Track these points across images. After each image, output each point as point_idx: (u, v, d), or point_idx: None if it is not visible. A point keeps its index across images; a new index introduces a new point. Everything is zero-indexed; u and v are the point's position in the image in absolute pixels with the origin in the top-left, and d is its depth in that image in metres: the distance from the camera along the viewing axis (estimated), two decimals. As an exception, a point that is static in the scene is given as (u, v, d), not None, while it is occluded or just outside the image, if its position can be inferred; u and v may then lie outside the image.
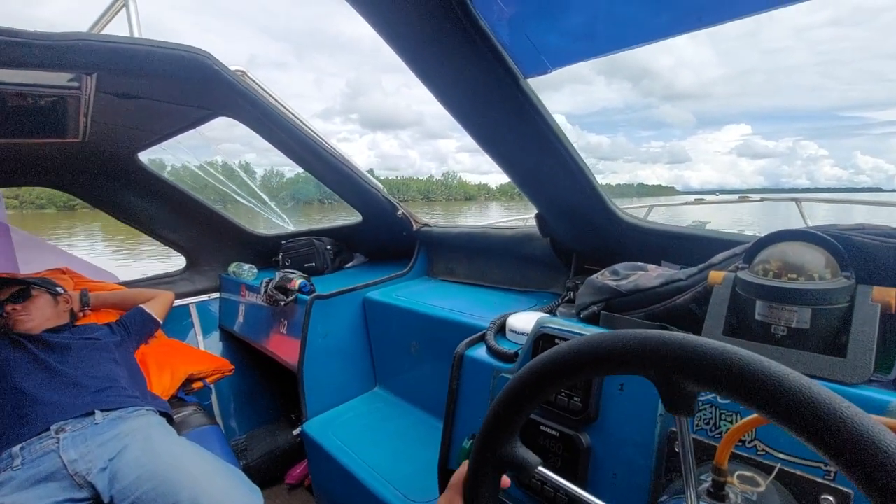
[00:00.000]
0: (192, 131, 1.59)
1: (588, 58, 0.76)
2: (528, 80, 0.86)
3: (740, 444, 0.61)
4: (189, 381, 1.72)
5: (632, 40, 0.71)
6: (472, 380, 1.00)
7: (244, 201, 2.07)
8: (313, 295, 1.51)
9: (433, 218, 1.76)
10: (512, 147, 1.02)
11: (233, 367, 1.82)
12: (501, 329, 1.10)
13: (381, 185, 1.63)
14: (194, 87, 1.24)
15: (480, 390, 0.98)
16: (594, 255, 1.25)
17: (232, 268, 2.10)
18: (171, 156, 1.89)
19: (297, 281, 1.61)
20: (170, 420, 1.42)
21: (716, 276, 0.73)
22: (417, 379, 1.47)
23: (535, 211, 1.25)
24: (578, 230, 1.20)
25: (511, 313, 1.12)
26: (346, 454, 1.29)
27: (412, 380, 1.49)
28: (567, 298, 1.16)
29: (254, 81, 1.29)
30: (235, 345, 2.15)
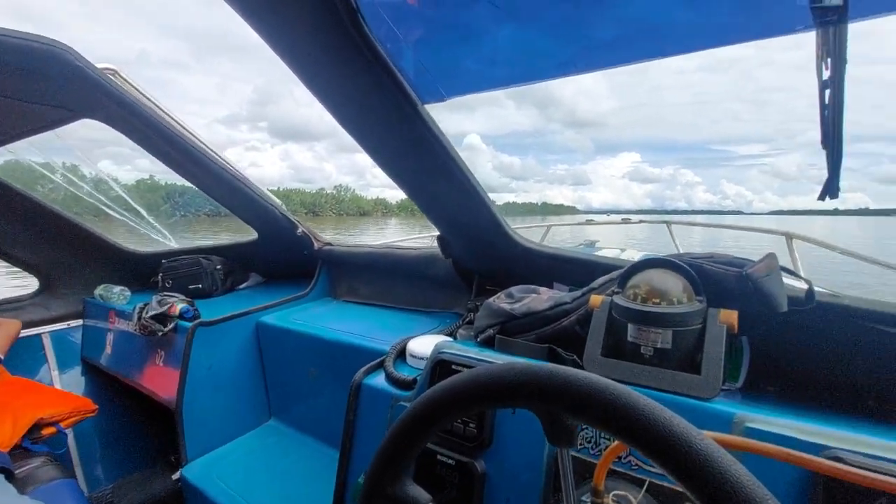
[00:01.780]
0: (49, 133, 1.36)
1: (483, 90, 0.78)
2: (426, 107, 0.87)
3: (617, 459, 0.64)
4: (37, 426, 1.43)
5: (525, 77, 0.75)
6: (371, 409, 0.96)
7: (116, 214, 1.80)
8: (197, 321, 1.36)
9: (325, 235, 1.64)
10: (412, 171, 1.01)
11: (96, 406, 1.56)
12: (402, 353, 1.08)
13: (278, 201, 1.53)
14: (51, 83, 1.07)
15: (379, 420, 0.94)
16: (494, 276, 1.29)
17: (99, 290, 1.81)
18: (24, 158, 1.59)
19: (178, 306, 1.44)
20: (9, 476, 1.17)
21: (595, 299, 0.79)
22: (316, 408, 1.38)
23: (438, 232, 1.26)
24: (478, 253, 1.23)
25: (412, 337, 1.10)
26: (231, 499, 1.16)
27: (310, 409, 1.40)
28: (468, 320, 1.18)
29: (126, 81, 1.14)
30: (102, 380, 1.85)
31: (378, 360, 1.04)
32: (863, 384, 0.74)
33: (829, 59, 0.43)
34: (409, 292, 1.54)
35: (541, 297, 0.92)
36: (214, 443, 1.37)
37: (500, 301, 0.95)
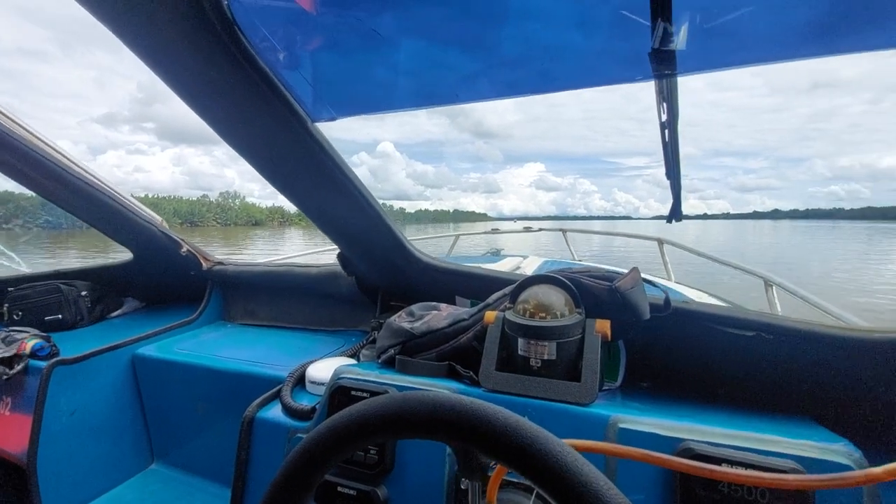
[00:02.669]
0: None
1: (372, 112, 0.78)
2: (318, 125, 0.84)
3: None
4: None
5: (415, 103, 0.76)
6: (265, 444, 0.90)
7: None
8: (54, 360, 1.16)
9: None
10: (305, 189, 0.97)
11: None
12: (301, 380, 1.02)
13: (157, 217, 1.38)
14: None
15: (275, 455, 0.88)
16: (398, 292, 1.28)
17: (-82, 328, 1.48)
18: None
19: (29, 342, 1.22)
20: None
21: (490, 315, 0.82)
22: (207, 447, 1.25)
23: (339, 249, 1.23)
24: (380, 269, 1.22)
25: (312, 361, 1.06)
26: None
27: (200, 449, 1.27)
28: (371, 339, 1.16)
29: None
30: None
31: (274, 389, 0.98)
32: (714, 376, 0.86)
33: (665, 105, 0.50)
34: (312, 311, 1.48)
35: (440, 315, 0.93)
36: (80, 500, 1.18)
37: (400, 320, 0.95)
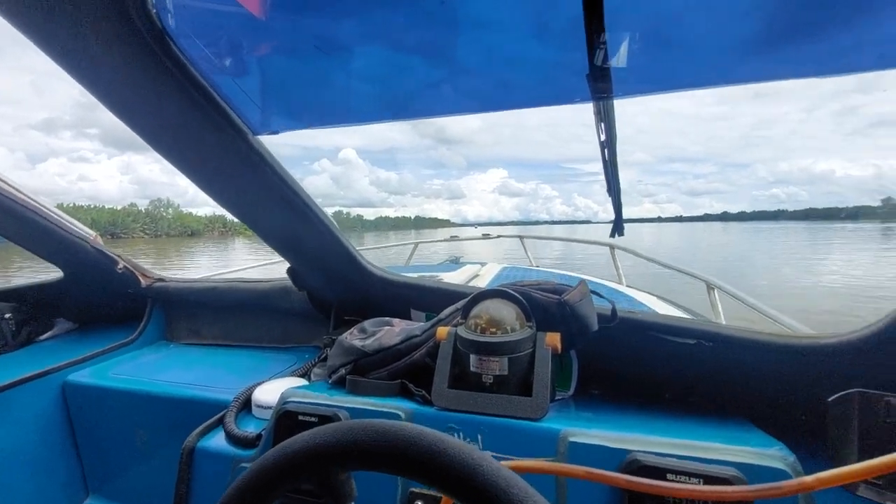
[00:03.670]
0: None
1: (317, 126, 0.75)
2: (260, 138, 0.81)
3: None
4: None
5: (360, 118, 0.74)
6: (208, 476, 0.84)
7: None
8: (-32, 392, 1.06)
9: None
10: (250, 203, 0.93)
11: None
12: (248, 404, 0.97)
13: (90, 233, 1.28)
14: None
15: (218, 488, 0.83)
16: (353, 306, 1.25)
17: None
18: None
19: (-61, 373, 1.10)
20: None
21: (442, 331, 0.80)
22: (147, 479, 1.17)
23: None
24: (332, 284, 1.18)
25: (260, 383, 1.01)
26: None
27: (140, 481, 1.18)
28: (323, 357, 1.12)
29: None
30: None
31: (217, 416, 0.93)
32: (660, 382, 0.88)
33: (602, 125, 0.51)
34: (262, 328, 1.42)
35: (393, 331, 0.91)
36: None
37: (352, 337, 0.92)
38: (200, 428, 0.88)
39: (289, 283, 1.26)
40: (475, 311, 0.78)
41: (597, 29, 0.43)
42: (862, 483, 0.55)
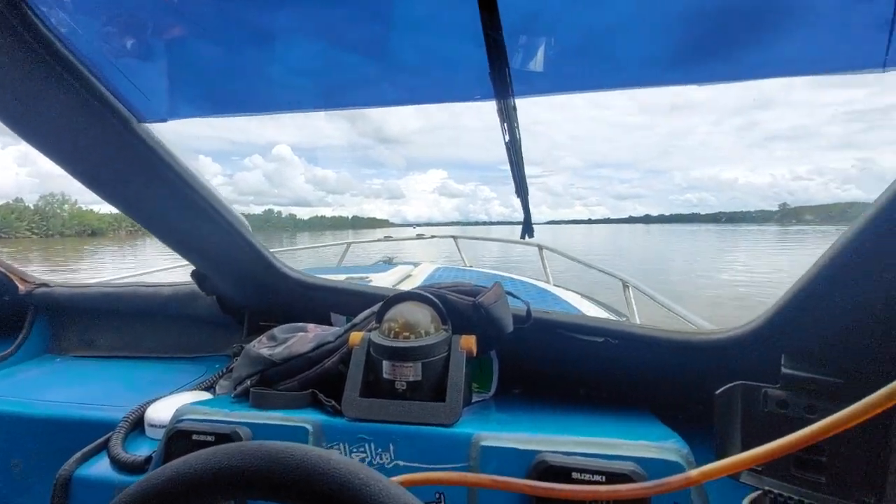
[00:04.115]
0: None
1: (210, 115, 0.69)
2: (148, 126, 0.72)
3: None
4: None
5: (262, 108, 0.68)
6: None
7: None
8: None
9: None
10: (141, 199, 0.84)
11: None
12: (141, 423, 0.87)
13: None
14: None
15: (98, 522, 0.73)
16: (268, 311, 1.17)
17: None
18: None
19: None
20: None
21: (355, 337, 0.77)
22: None
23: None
24: (244, 287, 1.10)
25: (158, 398, 0.91)
26: None
27: None
28: (232, 367, 1.03)
29: None
30: None
31: (102, 439, 0.82)
32: (574, 379, 0.91)
33: (505, 125, 0.50)
34: (166, 337, 1.29)
35: (306, 337, 0.86)
36: None
37: (260, 345, 0.86)
38: (80, 453, 0.78)
39: (195, 286, 1.16)
40: (389, 314, 0.75)
41: (493, 27, 0.42)
42: (744, 470, 0.59)
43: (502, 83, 0.46)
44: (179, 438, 0.71)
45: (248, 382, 0.81)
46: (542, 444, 0.63)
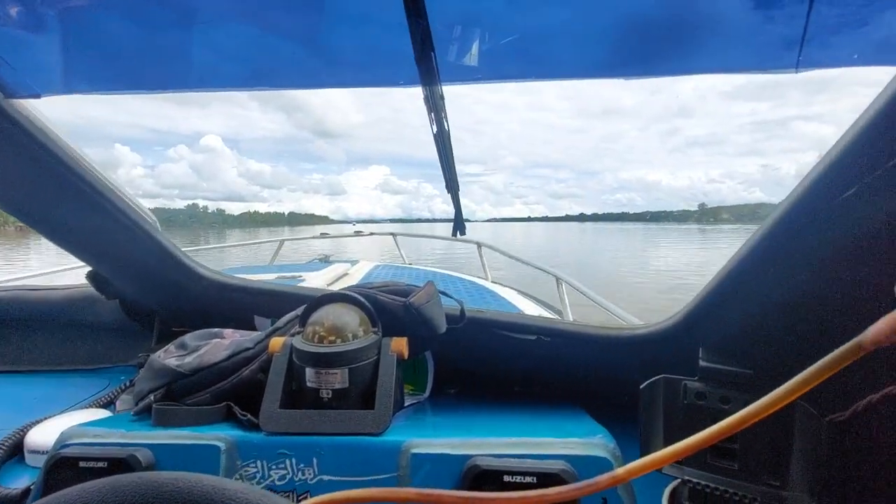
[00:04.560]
0: None
1: (89, 91, 0.59)
2: (19, 102, 0.61)
3: None
4: None
5: (150, 85, 0.60)
6: None
7: None
8: None
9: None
10: (11, 187, 0.71)
11: None
12: (20, 448, 0.75)
13: None
14: None
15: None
16: (183, 316, 1.06)
17: None
18: None
19: None
20: None
21: (276, 342, 0.70)
22: None
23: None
24: (151, 290, 0.99)
25: (45, 418, 0.79)
26: None
27: None
28: (136, 379, 0.92)
29: None
30: None
31: None
32: (509, 377, 0.90)
33: (432, 115, 0.47)
34: (62, 347, 1.13)
35: (221, 344, 0.78)
36: None
37: (167, 355, 0.76)
38: None
39: (95, 290, 1.02)
40: (314, 317, 0.70)
41: (417, 14, 0.39)
42: None
43: (428, 69, 0.43)
44: (63, 467, 0.61)
45: (152, 397, 0.72)
46: (473, 448, 0.61)
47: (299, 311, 0.76)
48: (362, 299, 0.71)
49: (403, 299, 0.72)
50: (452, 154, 0.53)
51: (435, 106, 0.46)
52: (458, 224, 0.60)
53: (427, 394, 0.88)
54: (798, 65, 0.42)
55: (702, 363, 0.61)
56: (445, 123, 0.49)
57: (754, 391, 0.38)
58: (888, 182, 0.38)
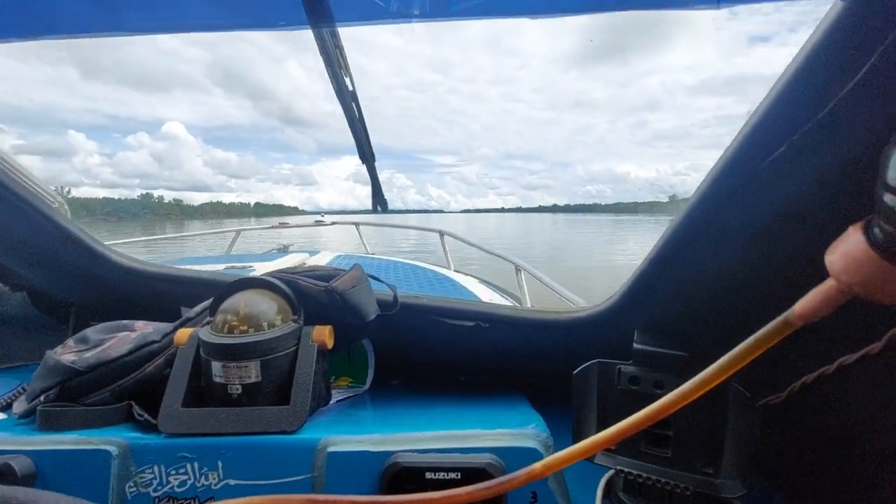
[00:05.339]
0: None
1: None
2: None
3: None
4: None
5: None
6: None
7: None
8: None
9: None
10: None
11: None
12: None
13: None
14: None
15: None
16: (102, 308, 0.97)
17: None
18: None
19: None
20: None
21: (182, 334, 0.64)
22: None
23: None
24: (63, 281, 0.90)
25: None
26: None
27: None
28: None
29: None
30: None
31: None
32: (450, 365, 0.86)
33: (329, 70, 0.41)
34: None
35: (127, 337, 0.70)
36: None
37: (64, 350, 0.69)
38: None
39: None
40: (225, 305, 0.63)
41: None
42: (598, 452, 0.58)
43: (317, 5, 0.36)
44: None
45: (44, 398, 0.64)
46: (396, 444, 0.56)
47: (210, 301, 0.70)
48: (281, 285, 0.65)
49: (325, 284, 0.66)
50: (363, 117, 0.47)
51: (329, 55, 0.40)
52: (380, 199, 0.54)
53: (367, 385, 0.83)
54: (720, 0, 0.39)
55: (636, 346, 0.58)
56: (348, 80, 0.42)
57: (688, 374, 0.35)
58: (816, 137, 0.35)
